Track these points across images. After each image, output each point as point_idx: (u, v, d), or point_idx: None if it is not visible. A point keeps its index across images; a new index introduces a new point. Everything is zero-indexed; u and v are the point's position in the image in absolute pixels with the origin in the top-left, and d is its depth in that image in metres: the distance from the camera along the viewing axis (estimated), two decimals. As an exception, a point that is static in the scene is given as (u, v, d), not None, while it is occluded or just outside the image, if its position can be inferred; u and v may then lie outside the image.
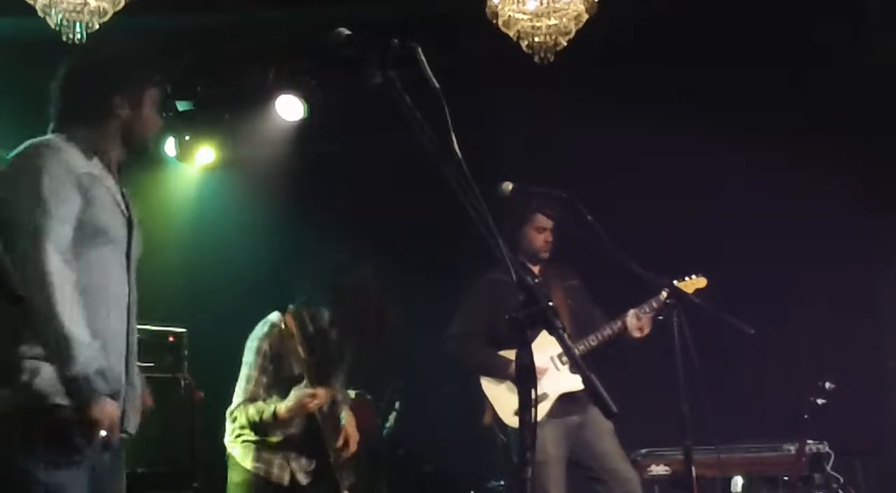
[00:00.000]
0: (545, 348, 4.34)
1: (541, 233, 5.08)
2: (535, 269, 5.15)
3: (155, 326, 5.59)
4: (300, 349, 4.17)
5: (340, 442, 4.33)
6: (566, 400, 4.87)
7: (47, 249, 2.71)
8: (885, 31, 5.77)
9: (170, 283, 6.51)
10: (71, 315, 2.70)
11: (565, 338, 2.21)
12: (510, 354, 4.61)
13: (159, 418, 5.45)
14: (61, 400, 2.70)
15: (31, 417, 2.71)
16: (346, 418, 4.44)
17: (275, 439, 4.22)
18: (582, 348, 4.88)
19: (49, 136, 2.95)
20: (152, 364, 5.48)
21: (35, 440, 2.71)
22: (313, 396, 4.12)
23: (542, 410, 4.82)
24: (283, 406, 4.13)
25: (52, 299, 2.67)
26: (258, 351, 4.27)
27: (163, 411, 5.49)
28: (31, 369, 2.72)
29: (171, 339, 5.60)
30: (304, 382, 4.16)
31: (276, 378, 4.25)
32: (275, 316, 4.34)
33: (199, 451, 5.50)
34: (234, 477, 4.33)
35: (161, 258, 6.54)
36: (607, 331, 4.94)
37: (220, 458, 4.43)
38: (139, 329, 5.54)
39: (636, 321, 4.89)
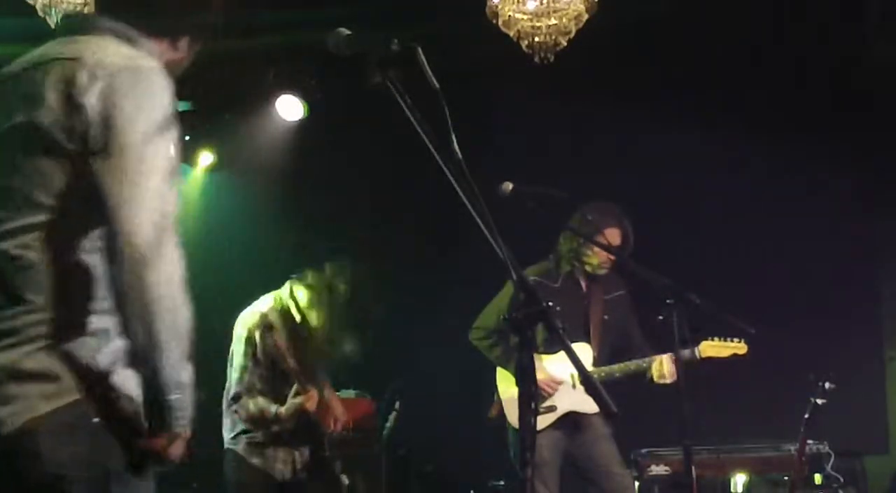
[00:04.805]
0: (566, 363, 4.29)
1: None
2: (584, 283, 4.99)
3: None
4: (285, 351, 4.21)
5: (330, 423, 4.37)
6: (570, 417, 4.85)
7: None
8: (885, 31, 5.78)
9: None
10: None
11: (564, 338, 2.21)
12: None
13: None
14: None
15: None
16: (328, 396, 4.47)
17: (273, 430, 4.26)
18: (603, 374, 4.85)
19: None
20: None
21: None
22: (309, 397, 4.21)
23: (546, 421, 4.80)
24: (283, 410, 4.21)
25: None
26: (248, 341, 4.26)
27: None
28: None
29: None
30: (294, 384, 4.25)
31: (271, 372, 4.28)
32: (263, 304, 4.36)
33: (199, 451, 5.48)
34: (234, 476, 4.33)
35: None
36: (632, 366, 4.89)
37: (220, 458, 4.42)
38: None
39: (661, 368, 4.78)
